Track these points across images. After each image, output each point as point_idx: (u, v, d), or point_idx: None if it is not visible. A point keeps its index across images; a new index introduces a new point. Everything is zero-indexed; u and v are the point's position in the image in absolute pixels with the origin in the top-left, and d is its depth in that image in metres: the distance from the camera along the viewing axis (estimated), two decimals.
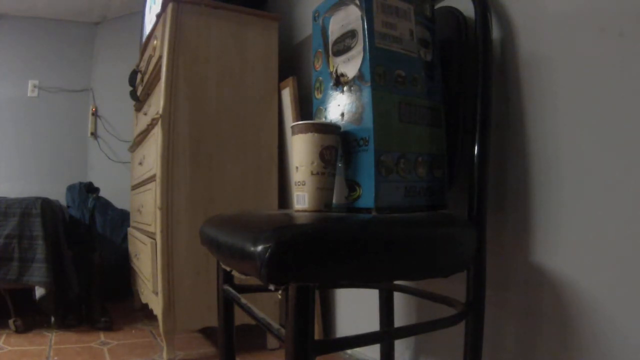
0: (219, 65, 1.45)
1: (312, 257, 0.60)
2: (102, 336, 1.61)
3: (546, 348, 0.83)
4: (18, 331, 1.60)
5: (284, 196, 1.58)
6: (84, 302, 1.80)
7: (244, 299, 0.84)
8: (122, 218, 2.20)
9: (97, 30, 2.87)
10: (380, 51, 0.77)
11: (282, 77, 1.57)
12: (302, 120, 0.79)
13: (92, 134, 2.79)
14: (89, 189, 2.26)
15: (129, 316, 1.90)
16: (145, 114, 1.68)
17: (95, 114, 2.79)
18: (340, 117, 0.82)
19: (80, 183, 2.28)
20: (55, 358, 1.36)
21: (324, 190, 0.76)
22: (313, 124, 0.76)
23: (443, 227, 0.76)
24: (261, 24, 1.54)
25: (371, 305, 1.19)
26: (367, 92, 0.75)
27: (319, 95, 0.89)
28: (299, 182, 0.77)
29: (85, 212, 2.13)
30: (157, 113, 1.41)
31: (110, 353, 1.43)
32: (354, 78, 0.78)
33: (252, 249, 0.59)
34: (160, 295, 1.34)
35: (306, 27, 1.69)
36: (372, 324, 1.23)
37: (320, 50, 0.88)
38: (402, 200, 0.77)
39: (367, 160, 0.75)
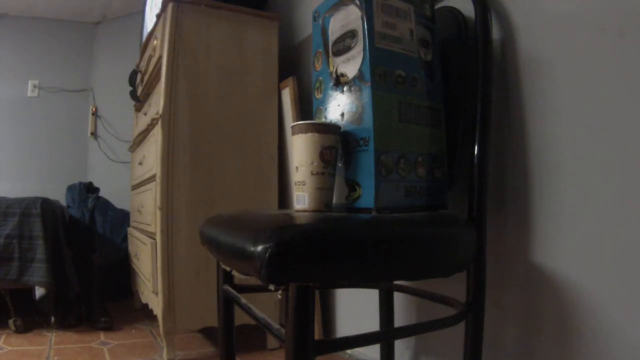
0: (219, 65, 1.45)
1: (312, 257, 0.60)
2: (102, 336, 1.61)
3: (546, 348, 0.83)
4: (18, 331, 1.60)
5: (284, 196, 1.58)
6: (84, 302, 1.80)
7: (244, 299, 0.84)
8: (122, 218, 2.19)
9: (97, 30, 2.87)
10: (380, 51, 0.77)
11: (282, 77, 1.57)
12: (302, 120, 0.79)
13: (92, 134, 2.79)
14: (89, 189, 2.26)
15: (129, 316, 1.90)
16: (145, 114, 1.68)
17: (95, 114, 2.79)
18: (340, 117, 0.82)
19: (80, 183, 2.28)
20: (55, 358, 1.36)
21: (324, 190, 0.76)
22: (313, 124, 0.76)
23: (443, 227, 0.76)
24: (261, 24, 1.54)
25: (371, 305, 1.19)
26: (367, 92, 0.75)
27: (319, 95, 0.89)
28: (299, 182, 0.77)
29: (85, 212, 2.13)
30: (157, 113, 1.41)
31: (110, 353, 1.43)
32: (354, 78, 0.79)
33: (252, 249, 0.59)
34: (160, 295, 1.34)
35: (306, 27, 1.69)
36: (372, 324, 1.22)
37: (320, 50, 0.88)
38: (402, 200, 0.77)
39: (367, 160, 0.75)
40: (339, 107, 0.82)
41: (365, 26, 0.76)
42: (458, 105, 0.89)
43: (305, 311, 0.60)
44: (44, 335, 1.60)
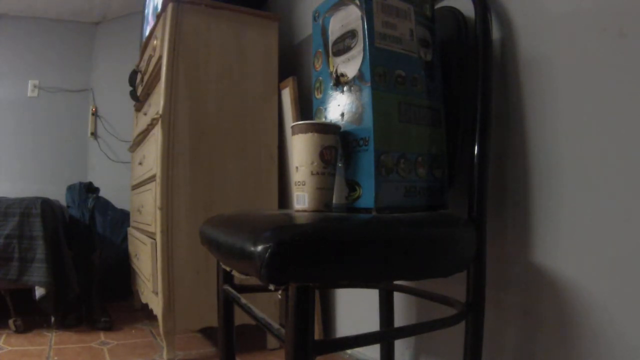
0: (219, 65, 1.46)
1: (312, 257, 0.60)
2: (102, 336, 1.61)
3: (546, 348, 0.83)
4: (18, 331, 1.60)
5: (284, 196, 1.58)
6: (84, 302, 1.81)
7: (244, 299, 0.84)
8: (122, 218, 2.20)
9: (97, 30, 2.87)
10: (380, 51, 0.77)
11: (282, 77, 1.57)
12: (302, 120, 0.79)
13: (92, 134, 2.79)
14: (89, 189, 2.26)
15: (129, 316, 1.90)
16: (145, 114, 1.68)
17: (95, 114, 2.79)
18: (340, 117, 0.82)
19: (80, 183, 2.28)
20: (55, 358, 1.36)
21: (324, 190, 0.76)
22: (313, 124, 0.76)
23: (443, 227, 0.76)
24: (261, 24, 1.54)
25: (371, 305, 1.19)
26: (367, 92, 0.75)
27: (319, 95, 0.89)
28: (299, 182, 0.77)
29: (85, 212, 2.13)
30: (157, 113, 1.41)
31: (110, 353, 1.43)
32: (354, 78, 0.79)
33: (252, 249, 0.59)
34: (160, 295, 1.34)
35: (306, 27, 1.69)
36: (372, 324, 1.23)
37: (320, 50, 0.88)
38: (402, 200, 0.77)
39: (367, 160, 0.75)
40: (339, 107, 0.82)
41: (365, 26, 0.76)
42: (458, 105, 0.89)
43: (305, 311, 0.60)
44: (44, 335, 1.60)
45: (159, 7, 1.53)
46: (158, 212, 1.35)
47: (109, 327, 1.69)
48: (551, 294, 0.83)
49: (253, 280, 0.67)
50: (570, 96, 0.81)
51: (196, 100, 1.41)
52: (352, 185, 0.78)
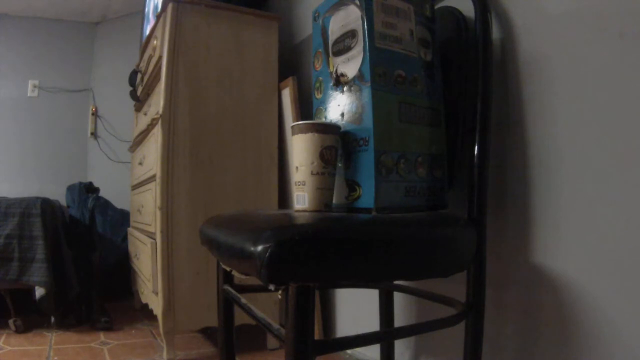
0: (219, 65, 1.46)
1: (312, 257, 0.60)
2: (102, 336, 1.61)
3: (546, 348, 0.83)
4: (18, 331, 1.60)
5: (284, 196, 1.58)
6: (84, 302, 1.80)
7: (244, 299, 0.84)
8: (122, 218, 2.20)
9: (97, 30, 2.87)
10: (380, 51, 0.77)
11: (282, 77, 1.57)
12: (302, 120, 0.79)
13: (92, 134, 2.79)
14: (89, 189, 2.26)
15: (129, 316, 1.90)
16: (145, 114, 1.68)
17: (95, 114, 2.79)
18: (340, 117, 0.82)
19: (80, 183, 2.28)
20: (55, 358, 1.36)
21: (324, 190, 0.76)
22: (313, 124, 0.76)
23: (443, 227, 0.76)
24: (261, 24, 1.54)
25: (371, 305, 1.19)
26: (367, 92, 0.75)
27: (319, 95, 0.89)
28: (299, 182, 0.77)
29: (85, 212, 2.13)
30: (157, 113, 1.41)
31: (110, 353, 1.43)
32: (354, 78, 0.79)
33: (252, 249, 0.59)
34: (160, 295, 1.34)
35: (306, 27, 1.69)
36: (372, 324, 1.23)
37: (320, 50, 0.88)
38: (402, 200, 0.77)
39: (367, 160, 0.75)
40: (339, 107, 0.82)
41: (365, 26, 0.76)
42: (458, 105, 0.89)
43: (305, 311, 0.60)
44: (44, 335, 1.60)
45: (159, 6, 1.53)
46: (158, 212, 1.35)
47: (109, 327, 1.69)
48: (551, 294, 0.83)
49: (253, 280, 0.67)
50: (570, 96, 0.81)
51: (196, 100, 1.41)
52: (352, 185, 0.78)
